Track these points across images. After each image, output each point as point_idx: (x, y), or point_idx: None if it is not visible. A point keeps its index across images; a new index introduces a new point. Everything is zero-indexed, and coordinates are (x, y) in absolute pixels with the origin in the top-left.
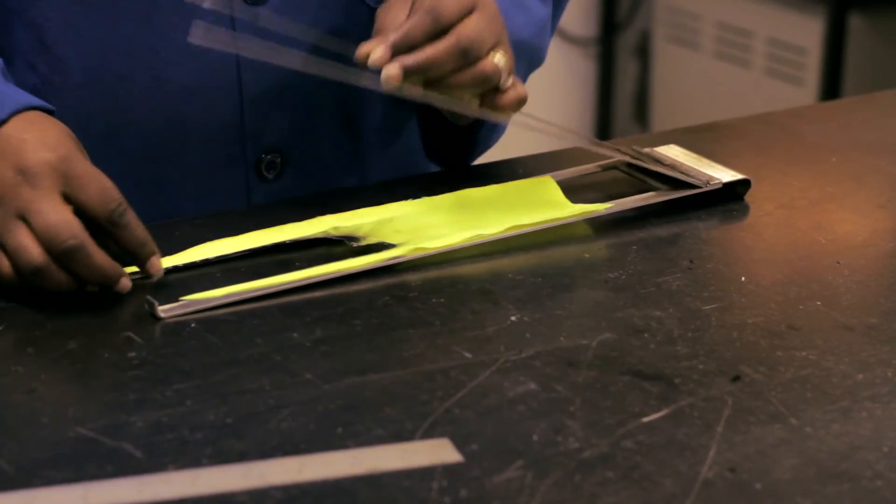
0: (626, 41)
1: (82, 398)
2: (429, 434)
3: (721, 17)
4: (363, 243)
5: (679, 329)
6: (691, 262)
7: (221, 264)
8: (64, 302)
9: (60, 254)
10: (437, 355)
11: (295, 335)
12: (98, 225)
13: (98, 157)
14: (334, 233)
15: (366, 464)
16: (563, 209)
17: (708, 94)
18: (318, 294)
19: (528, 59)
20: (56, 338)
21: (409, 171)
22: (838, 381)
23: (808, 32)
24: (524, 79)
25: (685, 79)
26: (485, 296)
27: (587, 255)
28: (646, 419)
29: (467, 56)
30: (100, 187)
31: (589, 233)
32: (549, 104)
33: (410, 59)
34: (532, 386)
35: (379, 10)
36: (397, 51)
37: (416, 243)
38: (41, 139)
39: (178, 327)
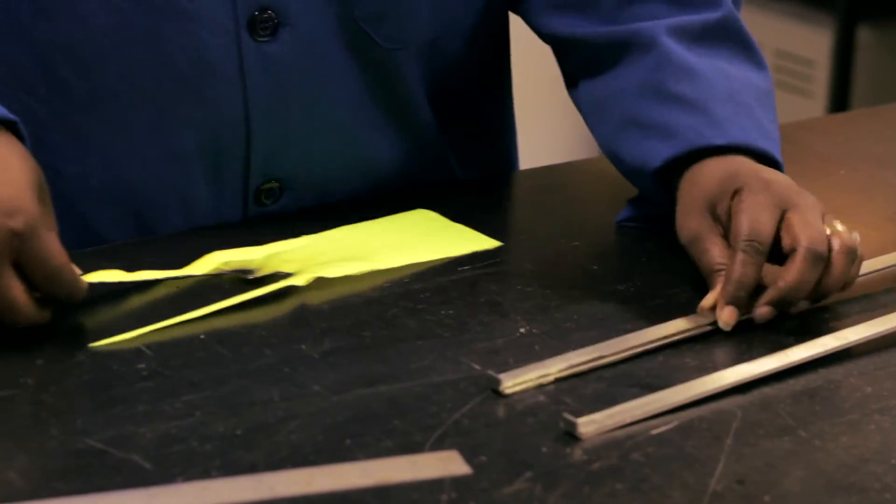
0: None
1: (91, 409)
2: (437, 446)
3: None
4: (257, 275)
5: (687, 341)
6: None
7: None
8: (73, 313)
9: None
10: (446, 367)
11: (303, 347)
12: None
13: (93, 176)
14: (225, 268)
15: (375, 475)
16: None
17: None
18: (326, 306)
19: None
20: (65, 349)
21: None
22: (847, 393)
23: (817, 45)
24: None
25: None
26: (494, 308)
27: (596, 268)
28: (655, 431)
29: (820, 260)
30: (52, 267)
31: (597, 245)
32: (564, 114)
33: (765, 309)
34: (541, 398)
35: (692, 246)
36: (736, 299)
37: (311, 271)
38: (6, 203)
39: (186, 339)
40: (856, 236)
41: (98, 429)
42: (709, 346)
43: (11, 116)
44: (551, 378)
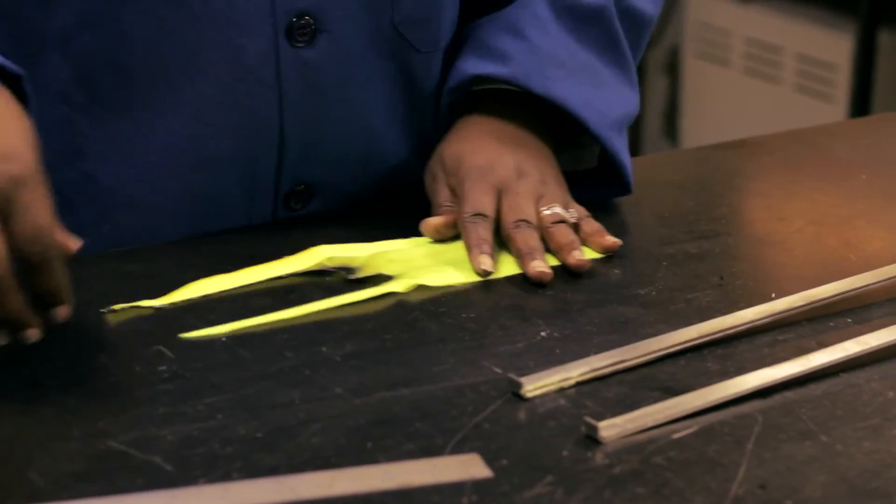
0: (656, 57)
1: (113, 412)
2: (458, 449)
3: (750, 34)
4: (359, 275)
5: (709, 346)
6: (721, 278)
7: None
8: (95, 315)
9: None
10: (467, 370)
11: (325, 349)
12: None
13: (129, 185)
14: (329, 264)
15: (396, 478)
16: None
17: (737, 110)
18: (347, 309)
19: (624, 126)
20: (86, 351)
21: None
22: (869, 398)
23: (838, 48)
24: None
25: (714, 95)
26: (515, 311)
27: (617, 271)
28: (676, 435)
29: (528, 227)
30: (35, 222)
31: (619, 249)
32: None
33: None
34: (562, 402)
35: (429, 183)
36: (483, 250)
37: (412, 276)
38: (1, 150)
39: (208, 341)
40: (570, 211)
41: (120, 430)
42: (730, 350)
43: (16, 70)
44: (572, 382)
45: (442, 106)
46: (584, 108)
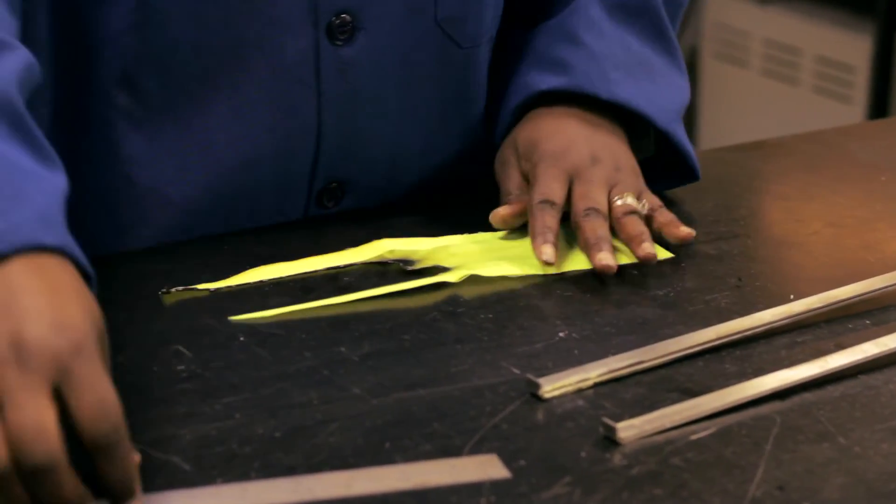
0: None
1: (131, 411)
2: (477, 450)
3: (769, 35)
4: (417, 267)
5: (727, 347)
6: (740, 279)
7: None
8: (113, 314)
9: (26, 469)
10: (486, 371)
11: (343, 349)
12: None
13: (169, 186)
14: (389, 256)
15: (414, 479)
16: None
17: (755, 111)
18: (366, 309)
19: (678, 113)
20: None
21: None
22: (887, 399)
23: (857, 50)
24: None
25: (733, 96)
26: (533, 312)
27: (636, 272)
28: (694, 437)
29: (598, 216)
30: (98, 400)
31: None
32: None
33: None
34: (580, 402)
35: (499, 168)
36: (548, 239)
37: (469, 268)
38: (58, 316)
39: (226, 341)
40: (643, 203)
41: (138, 430)
42: (748, 351)
43: (88, 271)
44: (591, 382)
45: (502, 122)
46: (648, 105)
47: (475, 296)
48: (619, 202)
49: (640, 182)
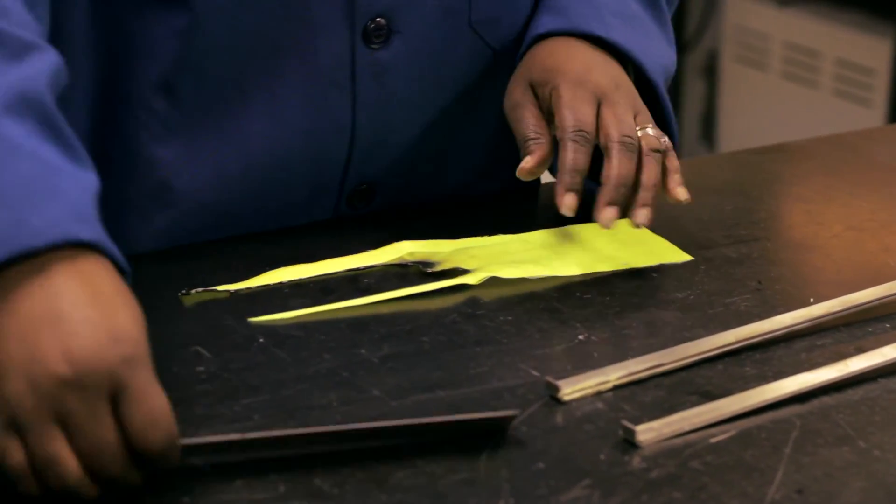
0: (694, 61)
1: None
2: (495, 452)
3: (789, 38)
4: (437, 269)
5: (747, 350)
6: (759, 282)
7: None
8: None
9: (100, 479)
10: (505, 373)
11: (363, 351)
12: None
13: (204, 192)
14: (409, 258)
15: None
16: (643, 251)
17: (775, 114)
18: (385, 311)
19: (665, 80)
20: None
21: None
22: None
23: (877, 53)
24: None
25: (752, 99)
26: (552, 314)
27: (655, 275)
28: (714, 440)
29: (633, 150)
30: (152, 411)
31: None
32: None
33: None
34: (599, 405)
35: (511, 112)
36: (573, 185)
37: (489, 270)
38: (108, 325)
39: (246, 342)
40: (663, 140)
41: None
42: (768, 354)
43: (125, 266)
44: (610, 385)
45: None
46: (642, 54)
47: (495, 298)
48: (649, 132)
49: (645, 108)
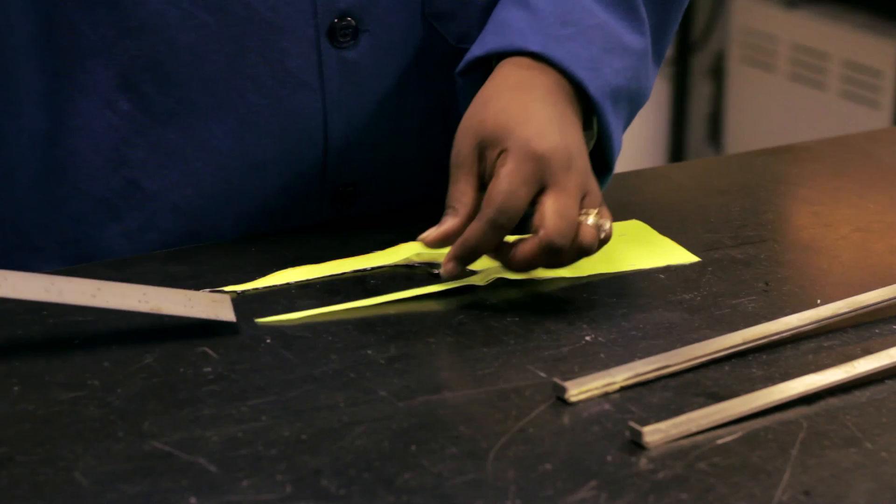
0: (701, 62)
1: (157, 412)
2: (503, 453)
3: (796, 39)
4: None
5: (754, 351)
6: (766, 284)
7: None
8: (139, 316)
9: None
10: (512, 374)
11: (370, 352)
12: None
13: (175, 191)
14: (416, 259)
15: (153, 302)
16: (653, 253)
17: (782, 115)
18: (392, 311)
19: (628, 100)
20: (132, 352)
21: None
22: None
23: (884, 55)
24: (629, 121)
25: (760, 100)
26: (559, 315)
27: (662, 276)
28: (720, 441)
29: (555, 253)
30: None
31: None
32: (635, 123)
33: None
34: (606, 406)
35: (451, 168)
36: (463, 261)
37: (496, 271)
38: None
39: (253, 343)
40: (604, 228)
41: (164, 431)
42: (775, 356)
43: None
44: (617, 386)
45: (459, 96)
46: (586, 70)
47: (501, 299)
48: (590, 221)
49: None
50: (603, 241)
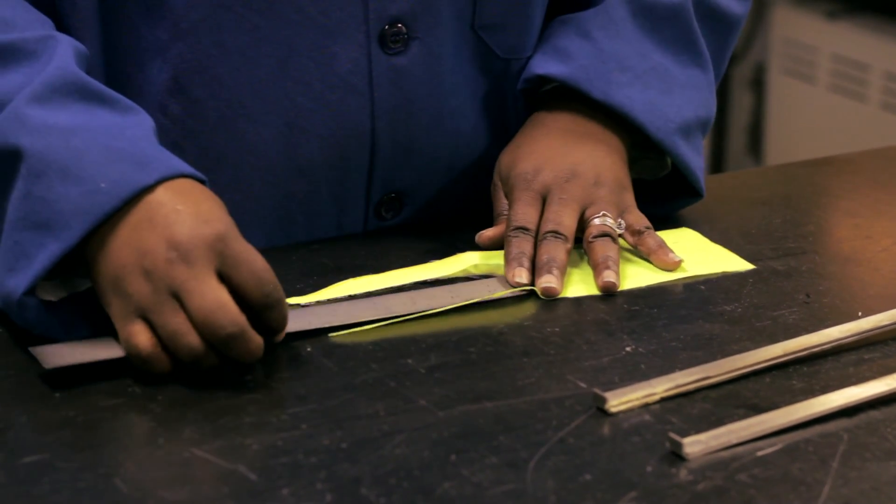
0: (742, 73)
1: (199, 420)
2: (542, 463)
3: (837, 50)
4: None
5: (795, 363)
6: (808, 296)
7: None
8: None
9: (219, 340)
10: (552, 384)
11: (410, 361)
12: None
13: (223, 196)
14: (474, 271)
15: (463, 295)
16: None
17: (823, 127)
18: (433, 321)
19: (700, 128)
20: (174, 360)
21: None
22: None
23: None
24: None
25: (800, 112)
26: (600, 326)
27: (703, 287)
28: (761, 453)
29: (559, 239)
30: (255, 268)
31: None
32: None
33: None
34: (646, 417)
35: (491, 188)
36: (521, 264)
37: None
38: (196, 212)
39: (294, 352)
40: (605, 223)
41: (205, 439)
42: (816, 368)
43: (200, 175)
44: (657, 397)
45: (518, 109)
46: (646, 113)
47: (542, 309)
48: (596, 221)
49: (626, 197)
50: (613, 238)
